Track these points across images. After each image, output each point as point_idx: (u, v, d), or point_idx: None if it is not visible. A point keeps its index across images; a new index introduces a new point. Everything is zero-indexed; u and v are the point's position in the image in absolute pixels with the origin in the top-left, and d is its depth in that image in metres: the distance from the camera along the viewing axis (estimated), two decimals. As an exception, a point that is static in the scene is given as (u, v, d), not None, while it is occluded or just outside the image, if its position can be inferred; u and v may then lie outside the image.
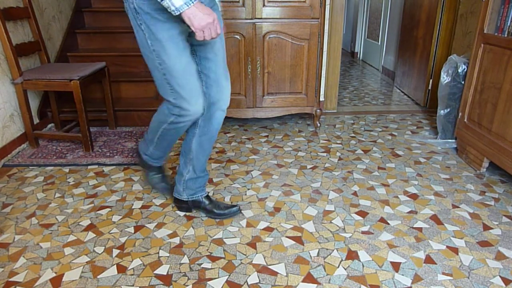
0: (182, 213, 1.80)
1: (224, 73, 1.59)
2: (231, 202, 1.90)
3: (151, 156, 1.80)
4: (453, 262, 1.49)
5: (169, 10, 1.25)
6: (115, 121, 2.85)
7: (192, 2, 1.24)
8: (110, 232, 1.67)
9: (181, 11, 1.24)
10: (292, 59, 2.69)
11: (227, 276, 1.41)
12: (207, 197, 1.78)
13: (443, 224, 1.72)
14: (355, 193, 1.98)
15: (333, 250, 1.55)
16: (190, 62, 1.44)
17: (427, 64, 3.32)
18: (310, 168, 2.26)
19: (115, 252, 1.54)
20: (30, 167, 2.27)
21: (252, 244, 1.59)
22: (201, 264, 1.48)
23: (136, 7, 1.33)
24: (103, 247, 1.57)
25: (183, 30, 1.41)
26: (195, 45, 1.51)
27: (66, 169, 2.25)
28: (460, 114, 2.36)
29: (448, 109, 2.52)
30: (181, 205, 1.80)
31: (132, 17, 1.37)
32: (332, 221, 1.74)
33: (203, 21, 1.27)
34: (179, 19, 1.36)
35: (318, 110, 2.84)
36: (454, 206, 1.87)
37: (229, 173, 2.19)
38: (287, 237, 1.64)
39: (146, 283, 1.38)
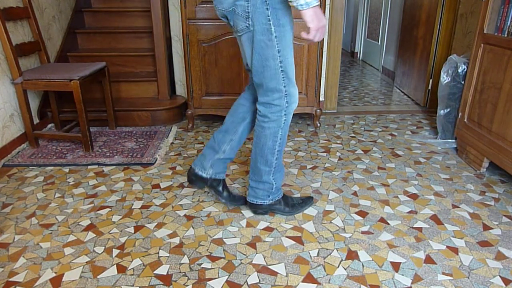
0: (182, 213, 1.80)
1: None
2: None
3: (275, 190, 1.74)
4: (453, 262, 1.49)
5: (294, 4, 1.28)
6: (115, 121, 2.85)
7: (319, 1, 1.30)
8: (110, 232, 1.67)
9: (310, 7, 1.28)
10: (292, 59, 2.69)
11: (227, 276, 1.41)
12: (224, 181, 1.84)
13: (443, 224, 1.72)
14: (355, 193, 1.98)
15: (333, 250, 1.55)
16: None
17: (427, 64, 3.32)
18: (310, 168, 2.26)
19: (115, 252, 1.54)
20: (30, 167, 2.27)
21: (252, 244, 1.59)
22: (201, 264, 1.48)
23: None
24: (103, 247, 1.57)
25: None
26: None
27: (66, 169, 2.25)
28: (460, 114, 2.36)
29: (448, 109, 2.52)
30: (197, 179, 1.79)
31: (257, 2, 1.37)
32: (332, 221, 1.74)
33: (321, 22, 1.32)
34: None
35: (318, 110, 2.83)
36: (454, 206, 1.87)
37: (229, 173, 2.19)
38: (287, 237, 1.64)
39: (146, 283, 1.38)
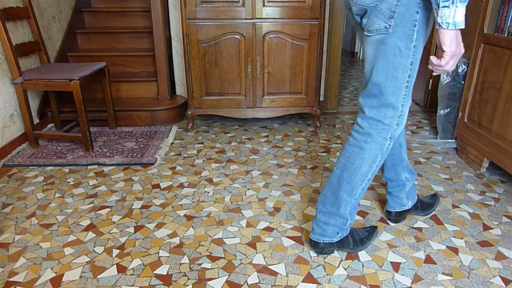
0: (182, 213, 1.80)
1: None
2: (231, 202, 1.90)
3: (346, 228, 1.50)
4: (453, 262, 1.49)
5: (439, 20, 1.10)
6: (115, 121, 2.85)
7: (463, 26, 1.12)
8: (110, 232, 1.67)
9: (454, 28, 1.10)
10: (292, 59, 2.69)
11: (227, 276, 1.41)
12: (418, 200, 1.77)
13: (443, 224, 1.72)
14: (355, 193, 1.98)
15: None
16: None
17: (427, 64, 3.32)
18: (310, 168, 2.26)
19: (115, 252, 1.54)
20: (30, 167, 2.27)
21: (252, 244, 1.59)
22: (201, 264, 1.48)
23: None
24: (103, 247, 1.57)
25: None
26: None
27: (66, 169, 2.25)
28: (460, 114, 2.36)
29: (448, 109, 2.52)
30: (402, 216, 1.72)
31: (410, 2, 1.19)
32: (332, 221, 1.74)
33: (459, 49, 1.14)
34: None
35: (318, 110, 2.83)
36: (454, 206, 1.87)
37: (229, 173, 2.19)
38: (287, 237, 1.64)
39: (146, 283, 1.38)
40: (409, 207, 1.71)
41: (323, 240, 1.50)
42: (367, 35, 1.30)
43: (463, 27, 1.12)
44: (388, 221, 1.74)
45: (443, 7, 1.08)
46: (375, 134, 1.35)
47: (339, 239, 1.50)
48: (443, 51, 1.14)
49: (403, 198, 1.68)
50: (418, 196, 1.78)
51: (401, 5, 1.20)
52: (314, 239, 1.51)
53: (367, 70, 1.34)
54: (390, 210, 1.71)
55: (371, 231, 1.59)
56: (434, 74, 1.24)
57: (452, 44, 1.13)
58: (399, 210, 1.70)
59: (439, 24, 1.11)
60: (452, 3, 1.07)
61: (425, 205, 1.78)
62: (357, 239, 1.54)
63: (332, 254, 1.52)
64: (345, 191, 1.41)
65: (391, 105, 1.31)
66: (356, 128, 1.39)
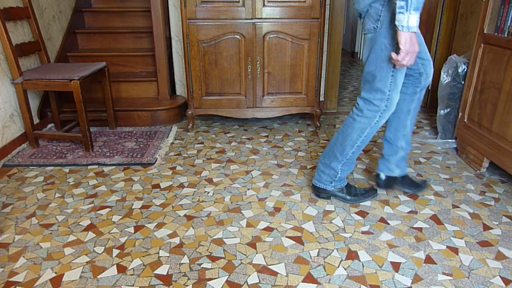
0: (182, 213, 1.80)
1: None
2: (231, 202, 1.90)
3: (338, 179, 1.84)
4: (453, 262, 1.49)
5: (396, 23, 1.38)
6: (115, 121, 2.85)
7: (417, 29, 1.40)
8: (110, 232, 1.67)
9: (408, 31, 1.38)
10: (292, 59, 2.69)
11: (227, 276, 1.41)
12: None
13: (443, 224, 1.72)
14: (355, 193, 1.98)
15: (333, 250, 1.55)
16: None
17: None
18: (310, 168, 2.26)
19: (115, 252, 1.54)
20: (30, 167, 2.27)
21: (252, 244, 1.59)
22: (201, 264, 1.48)
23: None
24: (103, 247, 1.57)
25: None
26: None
27: (66, 169, 2.25)
28: (460, 114, 2.36)
29: (448, 109, 2.52)
30: (391, 183, 1.93)
31: (391, 8, 1.47)
32: (332, 221, 1.74)
33: (413, 47, 1.41)
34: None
35: (318, 110, 2.83)
36: (454, 206, 1.87)
37: (229, 173, 2.19)
38: (287, 237, 1.64)
39: (146, 283, 1.38)
40: (396, 175, 1.90)
41: (319, 185, 1.88)
42: (364, 33, 1.62)
43: (415, 31, 1.40)
44: (378, 187, 1.89)
45: (399, 13, 1.37)
46: (366, 110, 1.66)
47: (333, 188, 1.86)
48: (400, 48, 1.42)
49: (392, 163, 1.88)
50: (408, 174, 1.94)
51: (384, 10, 1.50)
52: (313, 183, 1.91)
53: (364, 60, 1.64)
54: (378, 172, 1.91)
55: (369, 191, 1.90)
56: (396, 68, 1.53)
57: (406, 43, 1.40)
58: (387, 175, 1.89)
59: (397, 26, 1.39)
60: (406, 10, 1.35)
61: (412, 182, 1.94)
62: (351, 193, 1.87)
63: (332, 254, 1.52)
64: (338, 150, 1.77)
65: (379, 90, 1.60)
66: (355, 104, 1.71)
